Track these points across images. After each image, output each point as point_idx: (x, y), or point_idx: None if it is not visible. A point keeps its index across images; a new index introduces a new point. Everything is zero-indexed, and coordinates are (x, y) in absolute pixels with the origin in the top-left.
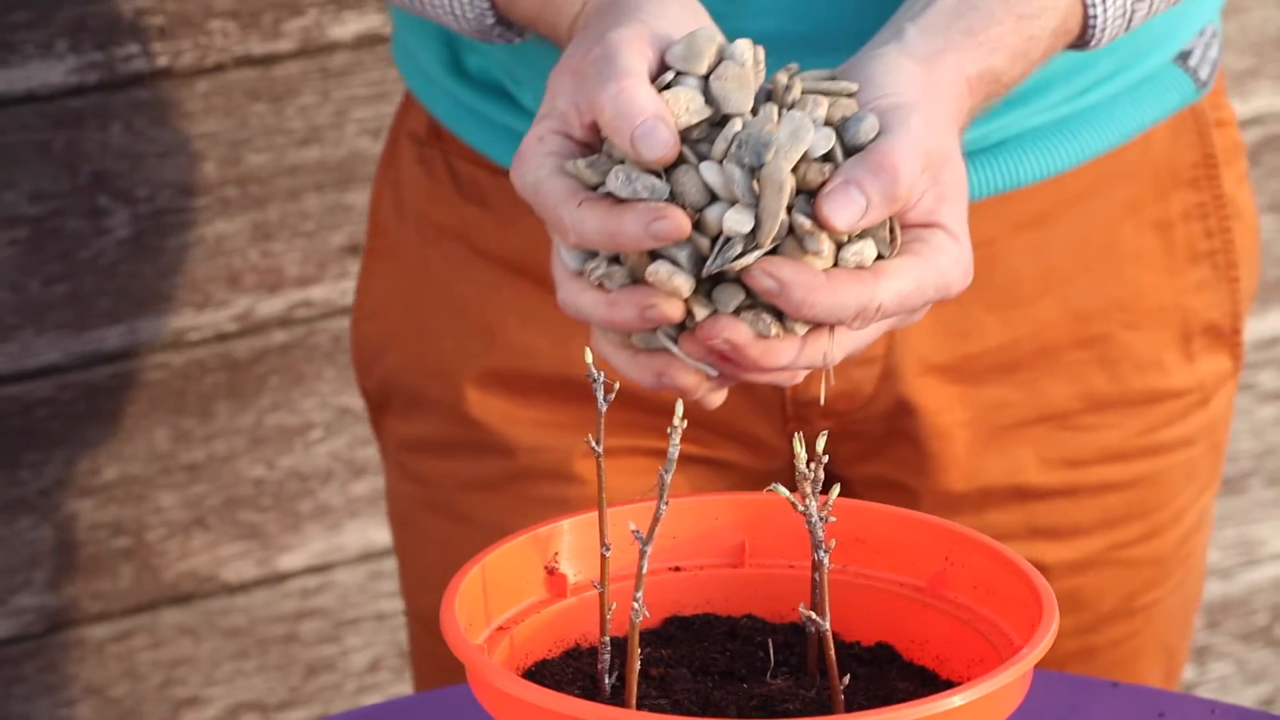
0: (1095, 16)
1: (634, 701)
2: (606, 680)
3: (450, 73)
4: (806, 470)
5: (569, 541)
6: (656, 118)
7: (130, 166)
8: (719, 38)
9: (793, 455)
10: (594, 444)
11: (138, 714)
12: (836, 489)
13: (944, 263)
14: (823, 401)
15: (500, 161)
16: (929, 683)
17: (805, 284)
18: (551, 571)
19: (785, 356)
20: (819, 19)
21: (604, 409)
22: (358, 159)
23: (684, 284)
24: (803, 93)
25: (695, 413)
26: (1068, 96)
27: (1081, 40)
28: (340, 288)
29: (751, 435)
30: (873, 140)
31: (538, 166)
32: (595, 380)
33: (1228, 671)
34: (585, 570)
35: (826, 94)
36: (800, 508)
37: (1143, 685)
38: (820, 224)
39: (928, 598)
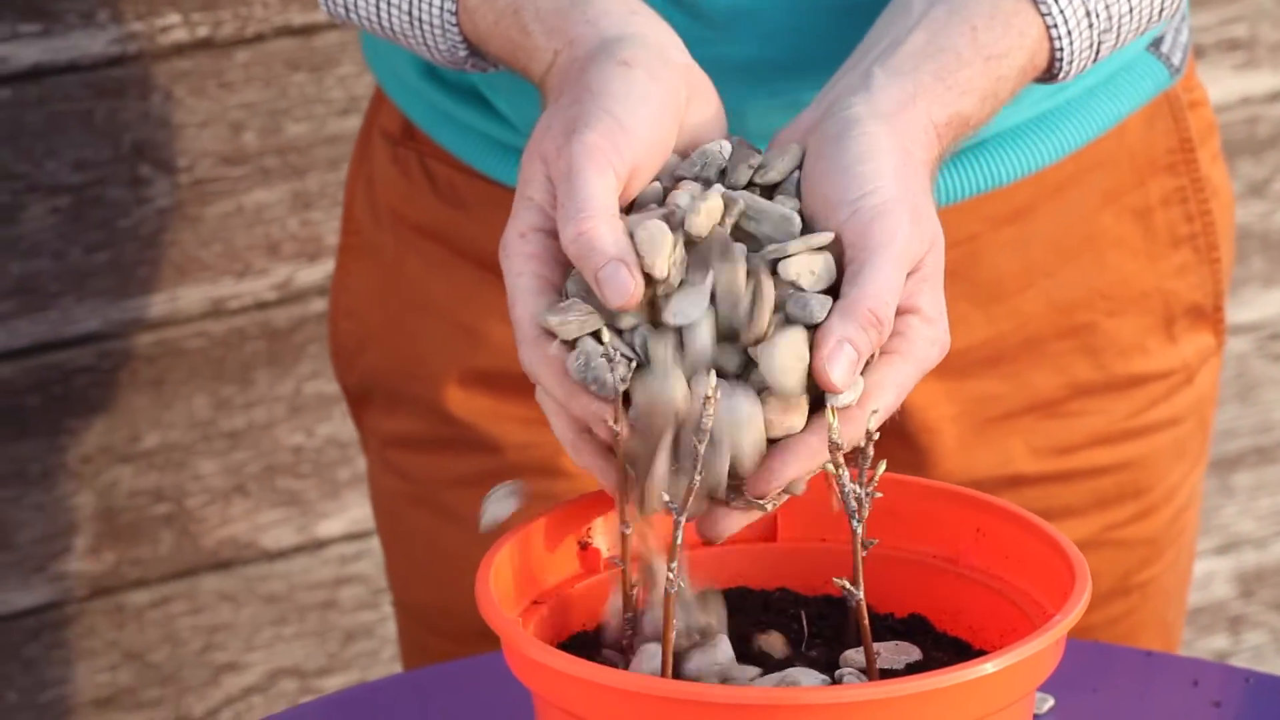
0: (1062, 50)
1: (669, 670)
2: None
3: (424, 77)
4: (839, 442)
5: (604, 515)
6: (618, 261)
7: (171, 136)
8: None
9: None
10: (613, 423)
11: (177, 679)
12: (884, 465)
13: (921, 350)
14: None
15: (476, 166)
16: (963, 653)
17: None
18: (585, 546)
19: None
20: (798, 45)
21: (620, 387)
22: None
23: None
24: (764, 251)
25: None
26: (1047, 93)
27: (1049, 74)
28: None
29: None
30: (858, 278)
31: (518, 272)
32: (612, 359)
33: (1262, 640)
34: (620, 545)
35: (784, 256)
36: (837, 480)
37: (1177, 654)
38: (822, 386)
39: (960, 568)
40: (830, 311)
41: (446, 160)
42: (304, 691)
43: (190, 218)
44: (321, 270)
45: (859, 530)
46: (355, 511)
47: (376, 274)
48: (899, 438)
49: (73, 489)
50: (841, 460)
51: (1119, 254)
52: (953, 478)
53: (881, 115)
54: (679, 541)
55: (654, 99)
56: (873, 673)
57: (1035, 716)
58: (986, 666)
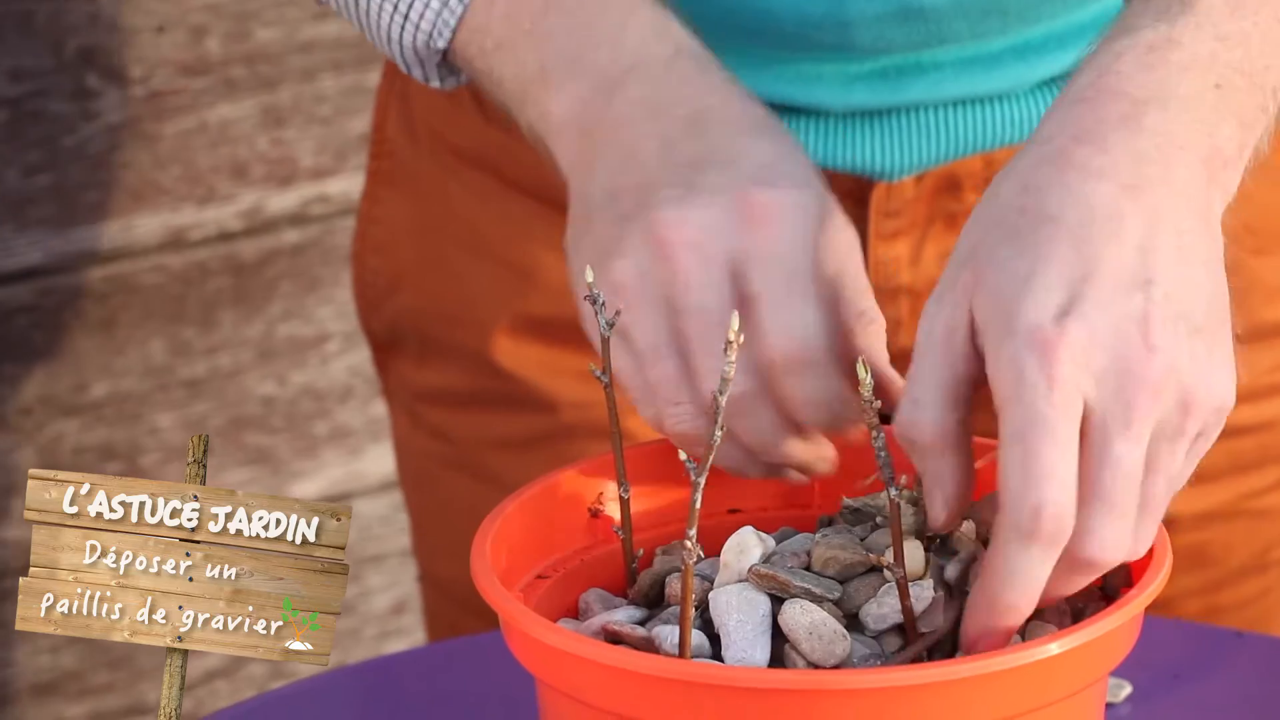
0: None
1: (689, 651)
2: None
3: None
4: (872, 399)
5: (615, 480)
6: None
7: (122, 42)
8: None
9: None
10: (599, 374)
11: (130, 663)
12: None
13: None
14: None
15: None
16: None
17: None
18: (596, 514)
19: None
20: None
21: (608, 334)
22: None
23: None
24: None
25: None
26: None
27: None
28: (360, 181)
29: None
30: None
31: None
32: (596, 303)
33: None
34: (635, 509)
35: None
36: (874, 443)
37: (1272, 636)
38: None
39: None
40: None
41: None
42: (274, 676)
43: (145, 136)
44: (294, 196)
45: (896, 498)
46: (333, 471)
47: (412, 204)
48: None
49: (10, 444)
50: (877, 421)
51: (1270, 183)
52: None
53: None
54: (697, 505)
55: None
56: (915, 654)
57: (1108, 706)
58: (1050, 647)
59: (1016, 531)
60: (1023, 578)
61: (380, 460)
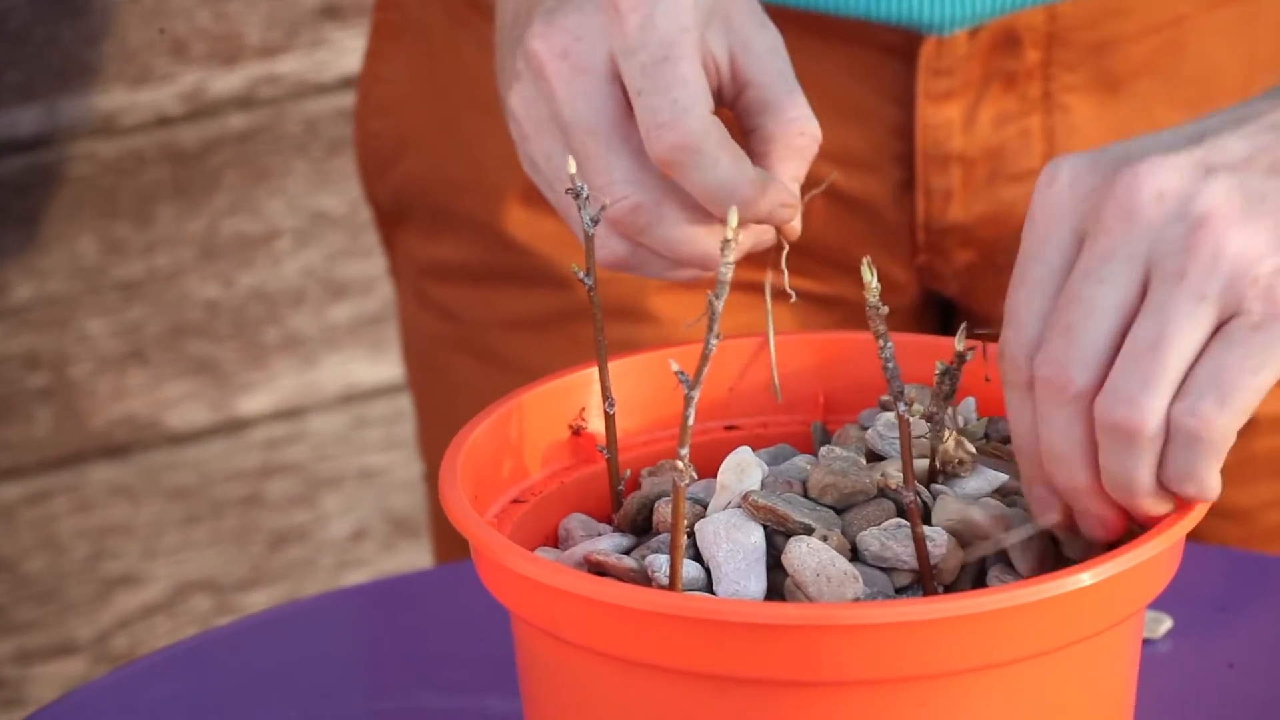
0: None
1: (680, 583)
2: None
3: None
4: (879, 305)
5: (599, 394)
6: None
7: None
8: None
9: (921, 290)
10: (583, 276)
11: (58, 595)
12: (964, 329)
13: None
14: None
15: None
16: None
17: None
18: (578, 432)
19: None
20: None
21: (590, 229)
22: None
23: None
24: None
25: (806, 242)
26: None
27: None
28: (315, 59)
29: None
30: None
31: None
32: (580, 197)
33: None
34: (620, 426)
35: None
36: (881, 351)
37: None
38: None
39: None
40: None
41: None
42: (220, 611)
43: (71, 8)
44: (240, 77)
45: (905, 414)
46: (285, 383)
47: (421, 61)
48: None
49: None
50: (884, 329)
51: None
52: None
53: None
54: (689, 422)
55: None
56: (928, 588)
57: (1146, 642)
58: (1082, 577)
59: (1002, 377)
60: (1018, 425)
61: (337, 371)
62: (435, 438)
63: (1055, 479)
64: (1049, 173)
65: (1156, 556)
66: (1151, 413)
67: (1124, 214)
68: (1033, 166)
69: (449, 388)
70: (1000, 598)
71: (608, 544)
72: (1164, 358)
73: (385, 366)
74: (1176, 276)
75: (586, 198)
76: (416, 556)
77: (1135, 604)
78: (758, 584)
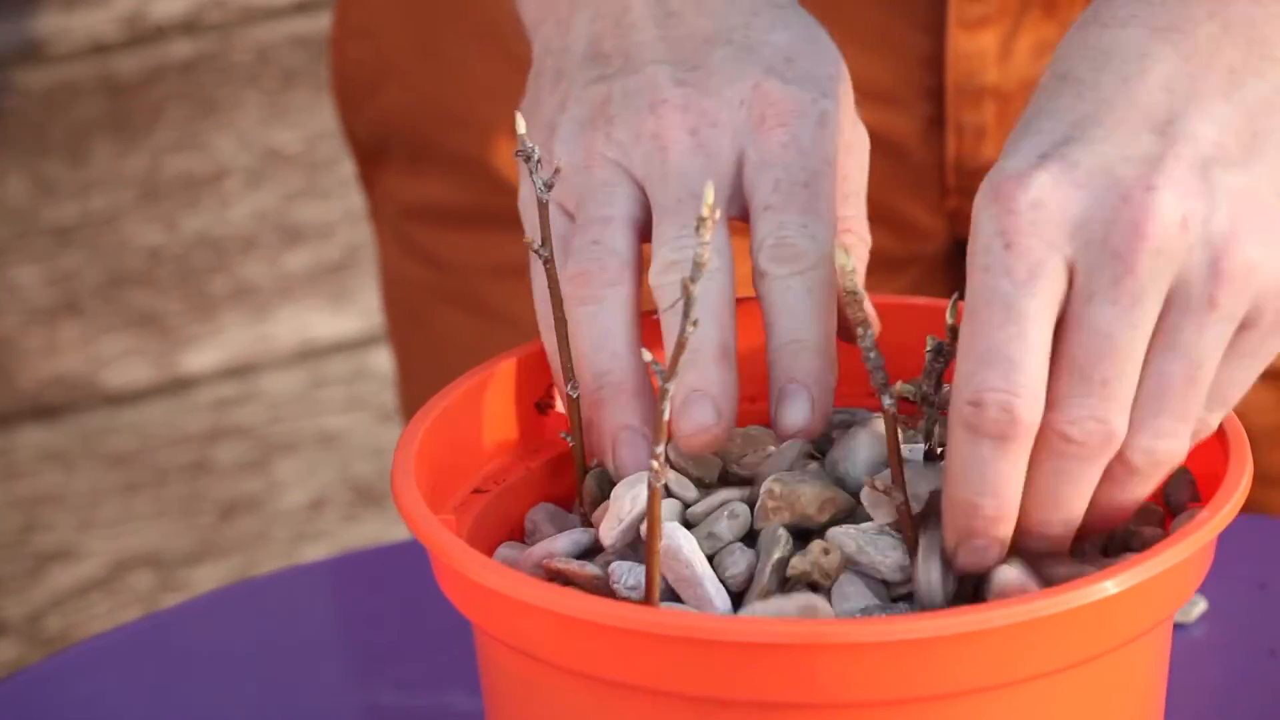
0: None
1: (656, 595)
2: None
3: None
4: (856, 289)
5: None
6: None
7: None
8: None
9: (951, 237)
10: (538, 247)
11: None
12: (955, 299)
13: None
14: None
15: None
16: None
17: None
18: (544, 410)
19: None
20: None
21: (545, 196)
22: None
23: None
24: None
25: None
26: None
27: None
28: None
29: (899, 212)
30: None
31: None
32: (531, 159)
33: None
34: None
35: None
36: (861, 343)
37: None
38: None
39: None
40: None
41: None
42: (164, 588)
43: None
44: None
45: (890, 407)
46: (235, 337)
47: None
48: None
49: None
50: (864, 316)
51: None
52: None
53: None
54: (666, 417)
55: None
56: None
57: (1177, 627)
58: (1106, 585)
59: (961, 422)
60: (977, 474)
61: (294, 323)
62: (418, 396)
63: (1033, 527)
64: (1016, 189)
65: (1188, 559)
66: (1187, 442)
67: (1150, 250)
68: None
69: (433, 341)
70: (1015, 611)
71: (565, 544)
72: (1199, 390)
73: (346, 319)
74: (1208, 306)
75: (538, 161)
76: (381, 528)
77: (1165, 611)
78: (722, 599)
